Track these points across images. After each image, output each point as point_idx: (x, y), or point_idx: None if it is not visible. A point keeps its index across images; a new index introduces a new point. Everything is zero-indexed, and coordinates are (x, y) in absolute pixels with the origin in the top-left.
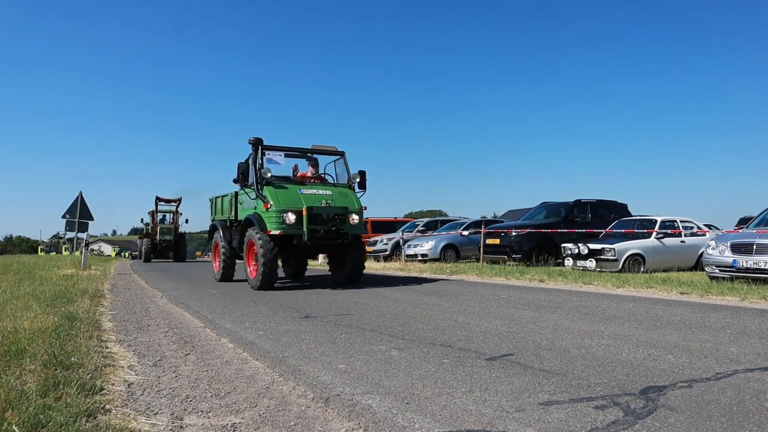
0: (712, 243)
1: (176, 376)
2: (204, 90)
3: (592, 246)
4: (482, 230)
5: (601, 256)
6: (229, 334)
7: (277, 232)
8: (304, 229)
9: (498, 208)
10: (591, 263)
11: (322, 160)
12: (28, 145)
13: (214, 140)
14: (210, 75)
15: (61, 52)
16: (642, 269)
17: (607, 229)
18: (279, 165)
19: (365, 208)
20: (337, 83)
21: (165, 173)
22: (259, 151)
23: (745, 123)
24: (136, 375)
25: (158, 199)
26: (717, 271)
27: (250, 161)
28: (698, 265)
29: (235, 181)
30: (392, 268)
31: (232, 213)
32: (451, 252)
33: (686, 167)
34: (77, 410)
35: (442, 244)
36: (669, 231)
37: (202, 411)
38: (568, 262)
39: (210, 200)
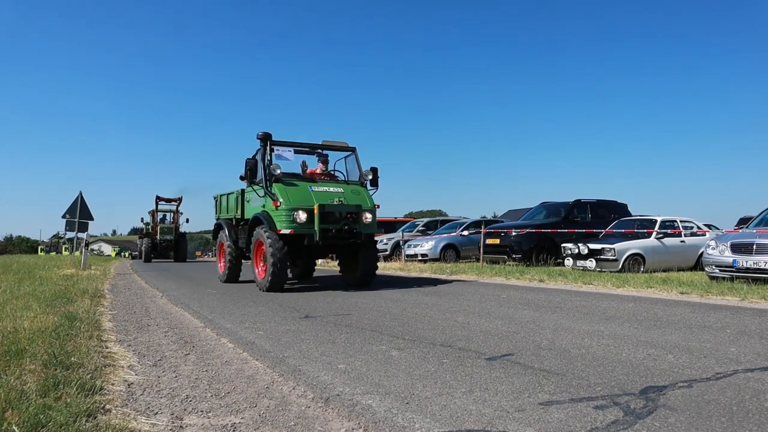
0: (712, 243)
1: (176, 376)
2: (204, 90)
3: (592, 246)
4: (482, 230)
5: (601, 256)
6: (229, 334)
7: (287, 232)
8: (316, 228)
9: (498, 208)
10: (591, 263)
11: (332, 156)
12: (28, 145)
13: (214, 140)
14: (210, 75)
15: (61, 52)
16: (642, 269)
17: (607, 229)
18: (288, 161)
19: (378, 207)
20: (337, 83)
21: (165, 173)
22: (268, 147)
23: (745, 123)
24: (136, 375)
25: (158, 199)
26: (717, 271)
27: (259, 157)
28: (698, 265)
29: (242, 178)
30: (392, 268)
31: (239, 211)
32: (451, 252)
33: (686, 167)
34: (77, 410)
35: (442, 244)
36: (669, 231)
37: (202, 411)
38: (568, 262)
39: (214, 198)
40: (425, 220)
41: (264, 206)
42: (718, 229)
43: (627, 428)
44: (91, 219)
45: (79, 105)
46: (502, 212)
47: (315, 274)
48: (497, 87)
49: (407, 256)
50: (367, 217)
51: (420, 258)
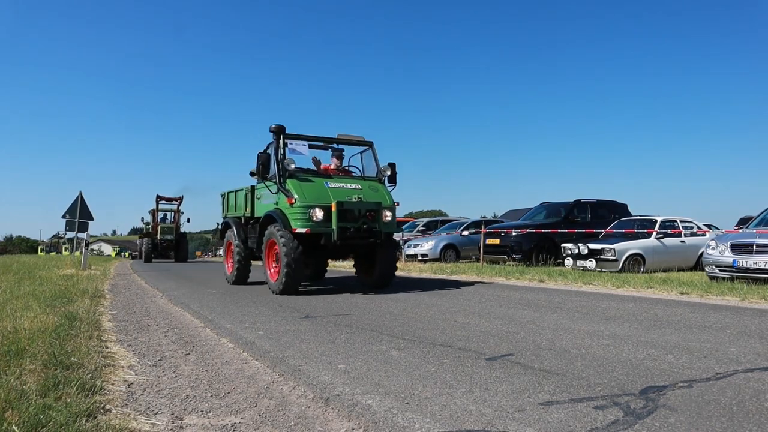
0: (712, 243)
1: (176, 376)
2: (204, 90)
3: (592, 246)
4: (482, 230)
5: (601, 256)
6: (229, 334)
7: (303, 230)
8: (333, 227)
9: (498, 208)
10: (591, 263)
11: (346, 151)
12: (28, 145)
13: (214, 140)
14: (210, 75)
15: (61, 52)
16: (642, 269)
17: (607, 229)
18: (303, 156)
19: (398, 204)
20: (337, 83)
21: (165, 173)
22: (281, 141)
23: (745, 123)
24: (136, 375)
25: (159, 198)
26: (717, 271)
27: (271, 151)
28: (698, 265)
29: (252, 173)
30: None
31: (248, 209)
32: (451, 252)
33: (686, 167)
34: (77, 410)
35: (442, 244)
36: (669, 231)
37: (202, 411)
38: (568, 262)
39: (221, 196)
40: (425, 220)
41: (277, 203)
42: (718, 229)
43: (627, 428)
44: (91, 219)
45: (79, 105)
46: (502, 212)
47: (325, 274)
48: (497, 87)
49: (407, 256)
50: (387, 215)
51: (420, 258)
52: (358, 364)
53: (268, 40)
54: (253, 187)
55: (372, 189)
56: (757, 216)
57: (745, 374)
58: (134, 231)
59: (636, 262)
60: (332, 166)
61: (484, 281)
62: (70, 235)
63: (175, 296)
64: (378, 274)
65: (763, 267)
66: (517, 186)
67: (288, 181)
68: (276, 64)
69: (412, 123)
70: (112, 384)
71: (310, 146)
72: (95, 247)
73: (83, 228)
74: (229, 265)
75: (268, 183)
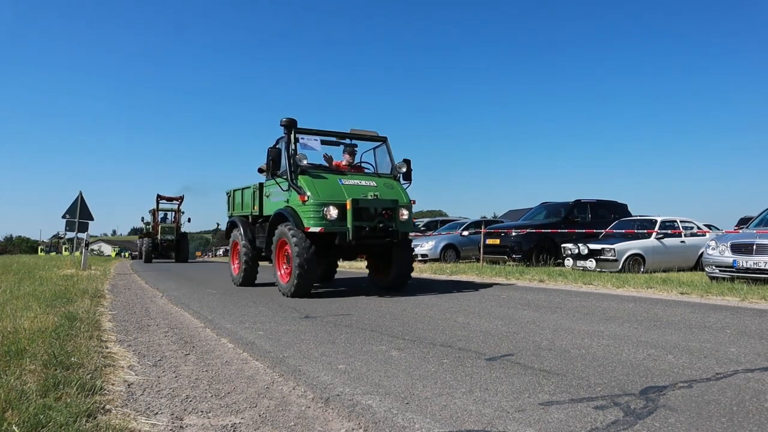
0: (712, 243)
1: (176, 376)
2: (204, 90)
3: (592, 246)
4: (482, 230)
5: (601, 256)
6: (229, 334)
7: (316, 229)
8: (349, 226)
9: (498, 208)
10: (591, 263)
11: (358, 147)
12: (28, 145)
13: (214, 140)
14: (210, 75)
15: (61, 52)
16: (642, 269)
17: (607, 229)
18: (314, 151)
19: (414, 202)
20: (337, 83)
21: (165, 173)
22: (293, 135)
23: (745, 123)
24: (136, 375)
25: (159, 197)
26: (717, 271)
27: (282, 146)
28: (698, 265)
29: (260, 170)
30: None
31: (256, 207)
32: (451, 252)
33: (686, 167)
34: (77, 410)
35: (442, 244)
36: (669, 231)
37: (202, 411)
38: (568, 262)
39: (227, 194)
40: (425, 220)
41: (288, 201)
42: (718, 229)
43: (627, 428)
44: (91, 219)
45: (79, 105)
46: (502, 212)
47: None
48: (497, 87)
49: None
50: (404, 213)
51: (420, 258)
52: (358, 364)
53: (268, 40)
54: (261, 185)
55: (387, 186)
56: (757, 216)
57: (745, 374)
58: (134, 231)
59: (636, 262)
60: (344, 163)
61: (484, 281)
62: (70, 235)
63: (175, 296)
64: (394, 275)
65: (763, 267)
66: (517, 186)
67: (300, 177)
68: (276, 64)
69: (412, 123)
70: (112, 384)
71: (322, 142)
72: (95, 247)
73: (83, 228)
74: (236, 265)
75: (278, 179)
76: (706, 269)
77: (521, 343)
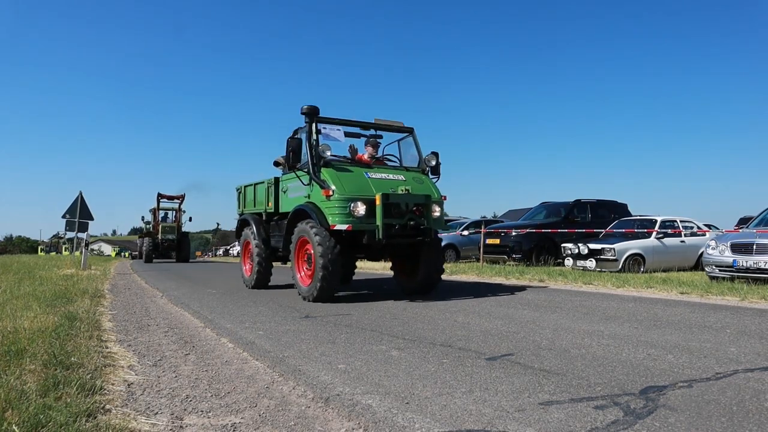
0: (712, 243)
1: (176, 376)
2: (204, 90)
3: (592, 246)
4: (482, 230)
5: (601, 256)
6: (229, 334)
7: (343, 227)
8: (378, 224)
9: (498, 208)
10: (591, 263)
11: (381, 139)
12: (28, 145)
13: (214, 140)
14: (210, 75)
15: (61, 52)
16: (642, 269)
17: (607, 229)
18: (338, 143)
19: (445, 198)
20: (337, 83)
21: (165, 173)
22: (314, 125)
23: (745, 123)
24: (136, 375)
25: (160, 196)
26: (717, 271)
27: (303, 137)
28: (698, 265)
29: (276, 163)
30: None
31: (271, 204)
32: (451, 252)
33: (686, 167)
34: (77, 410)
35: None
36: (669, 231)
37: (202, 411)
38: (568, 262)
39: (237, 190)
40: None
41: (309, 197)
42: (718, 229)
43: (627, 428)
44: (91, 219)
45: (79, 105)
46: (502, 212)
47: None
48: (497, 87)
49: None
50: (436, 210)
51: None
52: (358, 363)
53: (268, 40)
54: (277, 179)
55: (417, 181)
56: (757, 216)
57: (745, 374)
58: (134, 231)
59: (636, 262)
60: (366, 156)
61: (484, 281)
62: (70, 235)
63: (175, 296)
64: (423, 276)
65: (763, 267)
66: (517, 186)
67: (323, 170)
68: (276, 64)
69: (412, 123)
70: (112, 384)
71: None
72: (95, 247)
73: (83, 228)
74: (248, 267)
75: (299, 173)
76: (706, 269)
77: (521, 342)
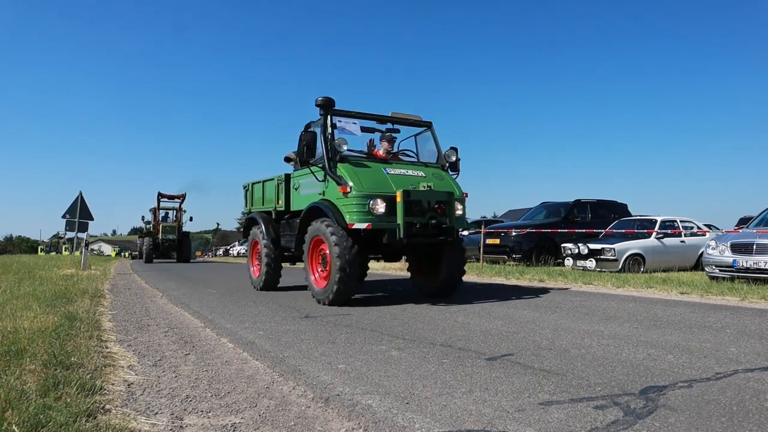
0: (712, 243)
1: (176, 376)
2: (204, 90)
3: (592, 246)
4: (482, 230)
5: (601, 256)
6: (229, 334)
7: (362, 225)
8: (399, 222)
9: (498, 208)
10: (591, 263)
11: (398, 134)
12: (28, 145)
13: (214, 140)
14: (210, 75)
15: (61, 52)
16: (642, 269)
17: (607, 229)
18: (354, 137)
19: (467, 196)
20: (337, 83)
21: (165, 173)
22: (329, 118)
23: (745, 123)
24: (136, 375)
25: (161, 195)
26: (717, 271)
27: (318, 130)
28: (698, 265)
29: (287, 159)
30: (392, 268)
31: (281, 202)
32: None
33: (686, 167)
34: (77, 410)
35: None
36: (669, 231)
37: (202, 411)
38: (568, 262)
39: (244, 187)
40: None
41: (323, 194)
42: (718, 229)
43: (627, 428)
44: (91, 219)
45: (79, 105)
46: (502, 212)
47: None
48: (497, 87)
49: None
50: (459, 208)
51: None
52: (358, 364)
53: (268, 40)
54: (287, 176)
55: (437, 177)
56: (757, 216)
57: (745, 374)
58: (134, 231)
59: (636, 262)
60: (381, 152)
61: (484, 281)
62: (70, 235)
63: (175, 296)
64: (445, 277)
65: (763, 267)
66: (517, 186)
67: (339, 165)
68: (276, 64)
69: None
70: (112, 384)
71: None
72: (95, 247)
73: (83, 228)
74: (255, 268)
75: (313, 168)
76: (706, 269)
77: (521, 342)
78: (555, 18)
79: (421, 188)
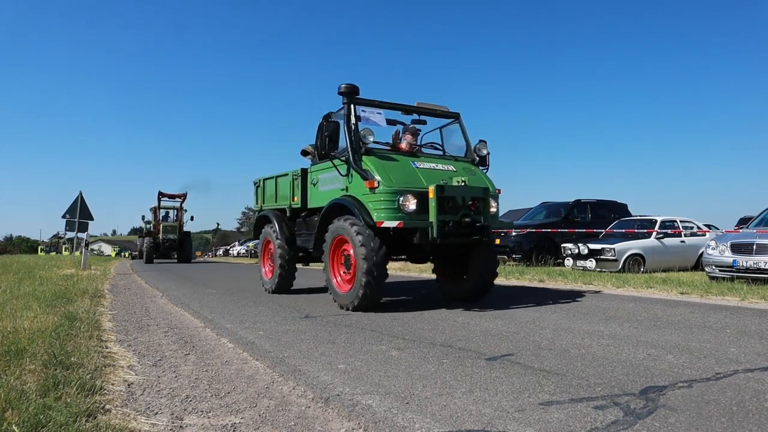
0: (712, 243)
1: (176, 376)
2: (204, 90)
3: (592, 246)
4: None
5: (601, 256)
6: (229, 334)
7: (393, 224)
8: (432, 220)
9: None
10: (591, 263)
11: (425, 125)
12: (28, 145)
13: (214, 140)
14: (210, 75)
15: (61, 52)
16: (642, 269)
17: (607, 229)
18: (378, 128)
19: (500, 192)
20: (337, 83)
21: (165, 173)
22: (353, 107)
23: (745, 123)
24: (136, 375)
25: (161, 195)
26: (717, 271)
27: (341, 120)
28: (698, 265)
29: (304, 152)
30: (392, 268)
31: (296, 198)
32: None
33: (686, 167)
34: (77, 410)
35: None
36: (669, 231)
37: (202, 411)
38: (568, 262)
39: (255, 184)
40: None
41: (346, 189)
42: (718, 229)
43: (627, 428)
44: (91, 219)
45: (79, 105)
46: (503, 212)
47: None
48: (497, 87)
49: None
50: (493, 205)
51: None
52: (358, 364)
53: (268, 40)
54: (304, 170)
55: (468, 172)
56: (757, 216)
57: (745, 374)
58: (134, 231)
59: (636, 262)
60: (404, 145)
61: None
62: (70, 235)
63: (175, 296)
64: (476, 279)
65: (763, 267)
66: (517, 186)
67: (364, 159)
68: (276, 64)
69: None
70: (112, 384)
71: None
72: (95, 247)
73: (83, 228)
74: (268, 269)
75: (336, 161)
76: (706, 269)
77: (521, 342)
78: (555, 18)
79: (455, 183)
